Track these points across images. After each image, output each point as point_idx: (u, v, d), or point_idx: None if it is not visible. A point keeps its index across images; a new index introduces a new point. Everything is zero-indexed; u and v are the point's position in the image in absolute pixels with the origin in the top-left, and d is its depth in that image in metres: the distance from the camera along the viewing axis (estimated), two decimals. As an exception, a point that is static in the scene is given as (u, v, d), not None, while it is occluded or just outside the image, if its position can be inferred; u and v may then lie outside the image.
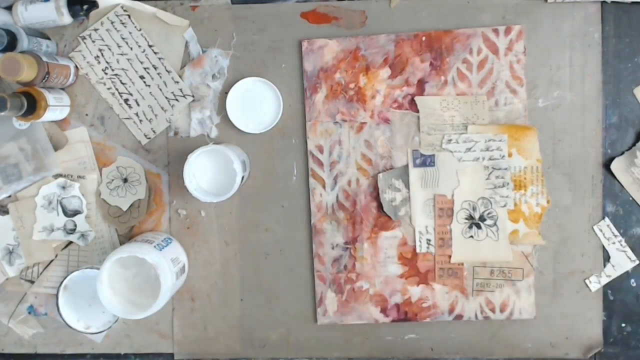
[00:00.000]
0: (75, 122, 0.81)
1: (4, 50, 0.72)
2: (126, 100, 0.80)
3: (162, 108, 0.79)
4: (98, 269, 0.72)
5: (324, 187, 0.78)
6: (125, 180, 0.80)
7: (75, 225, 0.80)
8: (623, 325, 0.77)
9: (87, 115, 0.81)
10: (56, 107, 0.76)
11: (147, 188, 0.80)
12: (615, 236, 0.76)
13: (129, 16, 0.78)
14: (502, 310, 0.77)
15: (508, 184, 0.76)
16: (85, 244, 0.81)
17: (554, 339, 0.78)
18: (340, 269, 0.79)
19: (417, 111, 0.76)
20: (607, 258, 0.76)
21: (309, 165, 0.78)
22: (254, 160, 0.79)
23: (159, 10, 0.78)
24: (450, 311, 0.78)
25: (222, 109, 0.79)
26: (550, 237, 0.77)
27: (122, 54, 0.79)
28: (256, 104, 0.78)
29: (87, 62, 0.79)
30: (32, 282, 0.82)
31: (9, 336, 0.83)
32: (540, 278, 0.77)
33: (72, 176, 0.80)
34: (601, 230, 0.76)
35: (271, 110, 0.78)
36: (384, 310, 0.79)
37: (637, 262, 0.76)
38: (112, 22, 0.78)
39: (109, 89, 0.80)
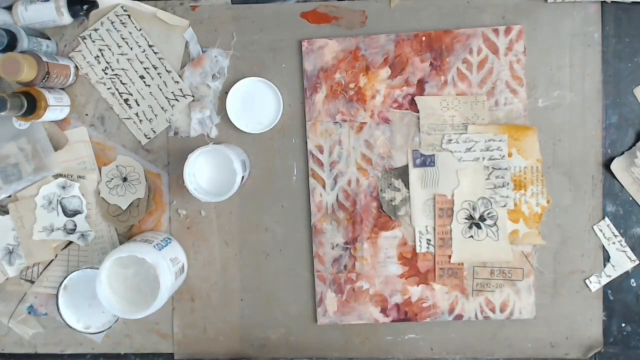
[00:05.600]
0: (75, 122, 0.81)
1: (4, 50, 0.72)
2: (126, 100, 0.80)
3: (162, 108, 0.79)
4: (98, 268, 0.72)
5: (324, 187, 0.78)
6: (125, 179, 0.80)
7: (75, 225, 0.80)
8: (623, 325, 0.77)
9: (87, 115, 0.81)
10: (56, 107, 0.76)
11: (146, 187, 0.80)
12: (615, 236, 0.76)
13: (129, 16, 0.78)
14: (502, 310, 0.77)
15: (508, 184, 0.76)
16: (85, 244, 0.81)
17: (554, 339, 0.78)
18: (340, 269, 0.79)
19: (417, 111, 0.76)
20: (607, 258, 0.76)
21: (309, 165, 0.78)
22: (254, 160, 0.79)
23: (159, 10, 0.78)
24: (450, 311, 0.78)
25: (222, 109, 0.79)
26: (550, 237, 0.77)
27: (122, 54, 0.79)
28: (256, 104, 0.78)
29: (87, 62, 0.79)
30: (32, 282, 0.82)
31: (9, 336, 0.83)
32: (540, 278, 0.77)
33: (72, 176, 0.80)
34: (601, 230, 0.76)
35: (271, 110, 0.78)
36: (384, 310, 0.78)
37: (637, 262, 0.76)
38: (112, 22, 0.78)
39: (109, 89, 0.80)
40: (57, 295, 0.78)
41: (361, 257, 0.78)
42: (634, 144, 0.75)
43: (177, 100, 0.79)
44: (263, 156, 0.79)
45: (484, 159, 0.76)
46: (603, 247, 0.76)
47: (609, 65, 0.75)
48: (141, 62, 0.79)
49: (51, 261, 0.81)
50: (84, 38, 0.79)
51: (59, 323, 0.82)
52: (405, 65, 0.76)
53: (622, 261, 0.76)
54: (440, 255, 0.77)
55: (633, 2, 0.74)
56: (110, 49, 0.79)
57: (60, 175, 0.80)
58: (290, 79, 0.78)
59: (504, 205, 0.76)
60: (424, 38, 0.76)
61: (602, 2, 0.74)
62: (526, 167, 0.76)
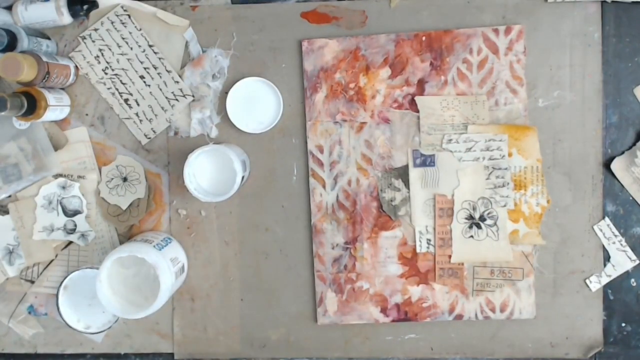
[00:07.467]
0: (75, 122, 0.81)
1: (4, 50, 0.72)
2: (126, 100, 0.80)
3: (162, 108, 0.79)
4: (98, 268, 0.72)
5: (324, 187, 0.78)
6: (125, 179, 0.80)
7: (75, 225, 0.80)
8: (623, 325, 0.77)
9: (87, 115, 0.81)
10: (56, 107, 0.76)
11: (146, 187, 0.80)
12: (616, 236, 0.76)
13: (129, 16, 0.78)
14: (502, 310, 0.77)
15: (508, 183, 0.76)
16: (85, 244, 0.81)
17: (554, 339, 0.78)
18: (340, 269, 0.79)
19: (417, 111, 0.76)
20: (607, 258, 0.76)
21: (309, 165, 0.78)
22: (254, 160, 0.79)
23: (159, 10, 0.78)
24: (450, 311, 0.78)
25: (222, 109, 0.79)
26: (550, 237, 0.77)
27: (122, 54, 0.79)
28: (256, 104, 0.78)
29: (87, 62, 0.79)
30: (32, 282, 0.82)
31: (9, 336, 0.83)
32: (540, 278, 0.77)
33: (72, 176, 0.80)
34: (601, 230, 0.76)
35: (271, 110, 0.78)
36: (384, 310, 0.78)
37: (637, 261, 0.76)
38: (112, 22, 0.78)
39: (109, 89, 0.80)
40: (57, 295, 0.78)
41: (361, 257, 0.78)
42: (634, 144, 0.75)
43: (177, 100, 0.79)
44: (263, 156, 0.79)
45: (484, 158, 0.76)
46: (603, 247, 0.76)
47: (609, 65, 0.75)
48: (141, 62, 0.79)
49: (51, 261, 0.81)
50: (84, 38, 0.79)
51: (59, 323, 0.82)
52: (405, 65, 0.76)
53: (622, 261, 0.76)
54: (440, 255, 0.77)
55: (633, 2, 0.74)
56: (110, 49, 0.79)
57: (60, 175, 0.80)
58: (291, 79, 0.78)
59: (504, 205, 0.76)
60: (424, 38, 0.76)
61: (602, 2, 0.74)
62: (526, 167, 0.76)
